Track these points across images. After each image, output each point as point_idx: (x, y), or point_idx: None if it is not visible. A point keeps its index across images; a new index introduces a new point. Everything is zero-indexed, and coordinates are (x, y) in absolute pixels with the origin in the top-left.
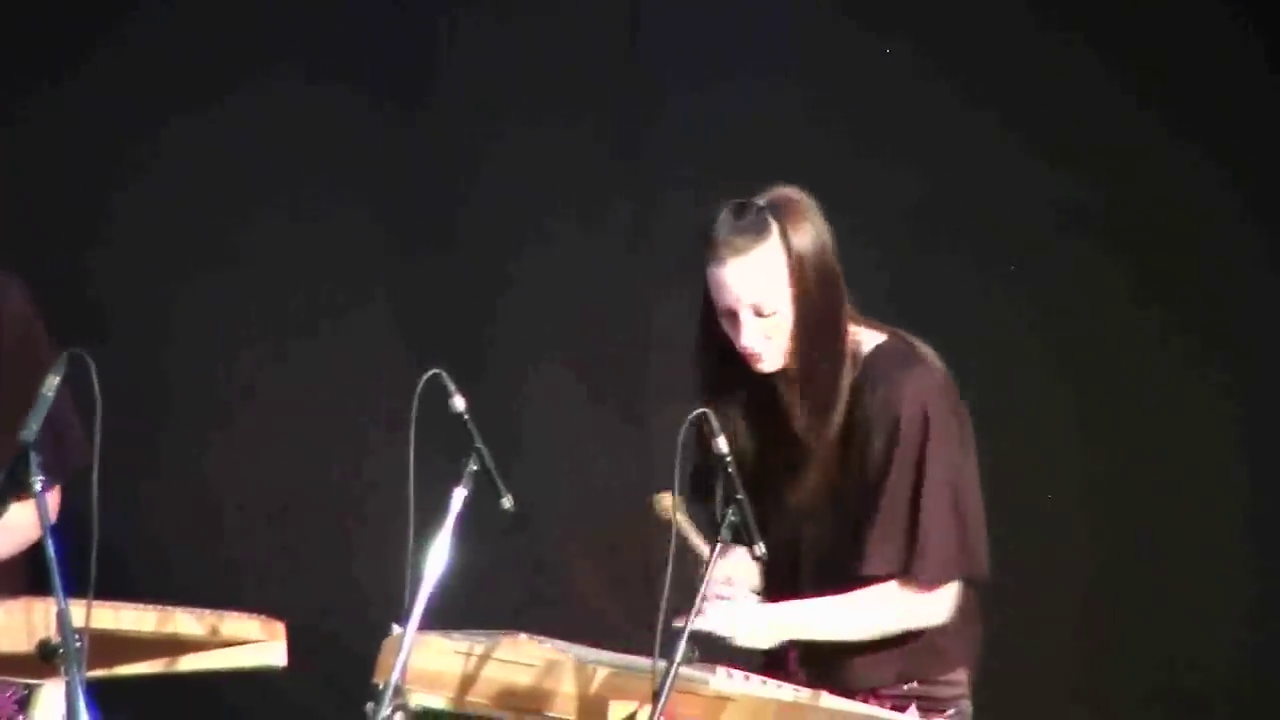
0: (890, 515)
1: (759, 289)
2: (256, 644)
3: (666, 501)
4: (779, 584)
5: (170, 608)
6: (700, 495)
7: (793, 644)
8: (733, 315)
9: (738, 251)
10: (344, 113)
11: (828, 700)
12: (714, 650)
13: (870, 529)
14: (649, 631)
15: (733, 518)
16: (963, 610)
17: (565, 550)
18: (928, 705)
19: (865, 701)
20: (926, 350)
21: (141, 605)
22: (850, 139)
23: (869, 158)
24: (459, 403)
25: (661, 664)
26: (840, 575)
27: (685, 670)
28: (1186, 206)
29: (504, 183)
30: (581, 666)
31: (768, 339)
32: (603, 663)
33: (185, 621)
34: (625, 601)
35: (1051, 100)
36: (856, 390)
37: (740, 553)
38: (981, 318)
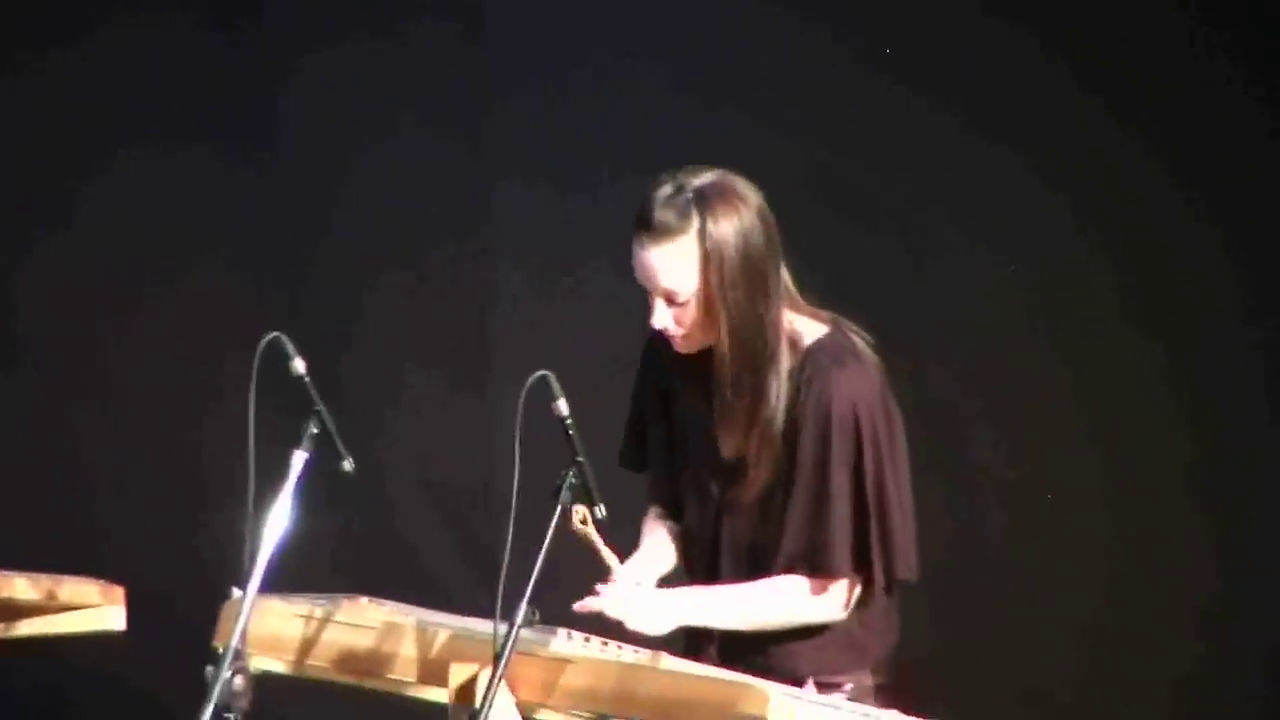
0: (807, 510)
1: (671, 278)
2: (95, 608)
3: (581, 516)
4: (700, 571)
5: (6, 572)
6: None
7: (711, 635)
8: (649, 295)
9: (655, 238)
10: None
11: (667, 662)
12: (621, 637)
13: (788, 522)
14: (489, 595)
15: (573, 480)
16: (882, 606)
17: (406, 513)
18: (827, 684)
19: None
20: (865, 347)
21: None
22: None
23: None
24: (299, 365)
25: (502, 627)
26: (759, 566)
27: (525, 633)
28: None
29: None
30: (422, 630)
31: (680, 325)
32: (444, 626)
33: (21, 586)
34: (467, 564)
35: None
36: (795, 384)
37: (651, 548)
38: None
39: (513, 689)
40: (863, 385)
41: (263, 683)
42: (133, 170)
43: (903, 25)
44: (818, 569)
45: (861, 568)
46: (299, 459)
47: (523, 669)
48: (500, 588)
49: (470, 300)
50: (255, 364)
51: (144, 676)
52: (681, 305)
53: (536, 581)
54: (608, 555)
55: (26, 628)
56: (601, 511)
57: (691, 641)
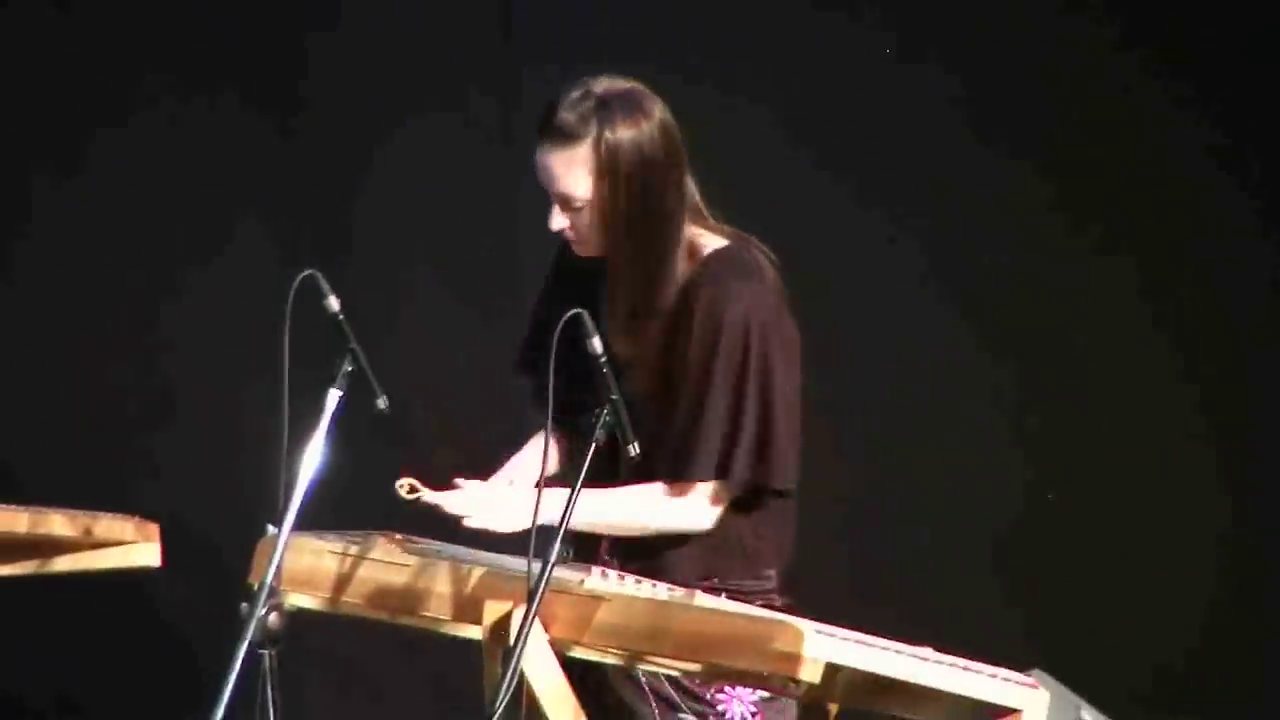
0: (686, 417)
1: (567, 183)
2: (130, 545)
3: (407, 487)
4: (598, 476)
5: (43, 509)
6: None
7: (600, 538)
8: (547, 197)
9: (555, 142)
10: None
11: (702, 599)
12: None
13: (670, 428)
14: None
15: (608, 418)
16: (775, 515)
17: (437, 452)
18: (737, 598)
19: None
20: (767, 265)
21: (14, 507)
22: None
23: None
24: (334, 303)
25: (536, 564)
26: (649, 472)
27: (559, 570)
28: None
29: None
30: (456, 567)
31: (575, 230)
32: (478, 563)
33: (59, 523)
34: None
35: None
36: (689, 292)
37: (532, 451)
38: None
39: (546, 626)
40: (757, 297)
41: (297, 619)
42: (174, 117)
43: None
44: (679, 474)
45: (729, 474)
46: (333, 397)
47: (556, 606)
48: (534, 524)
49: (504, 248)
50: (289, 301)
51: (179, 613)
52: (577, 210)
53: (569, 519)
54: (450, 498)
55: (63, 564)
56: (635, 449)
57: (584, 545)
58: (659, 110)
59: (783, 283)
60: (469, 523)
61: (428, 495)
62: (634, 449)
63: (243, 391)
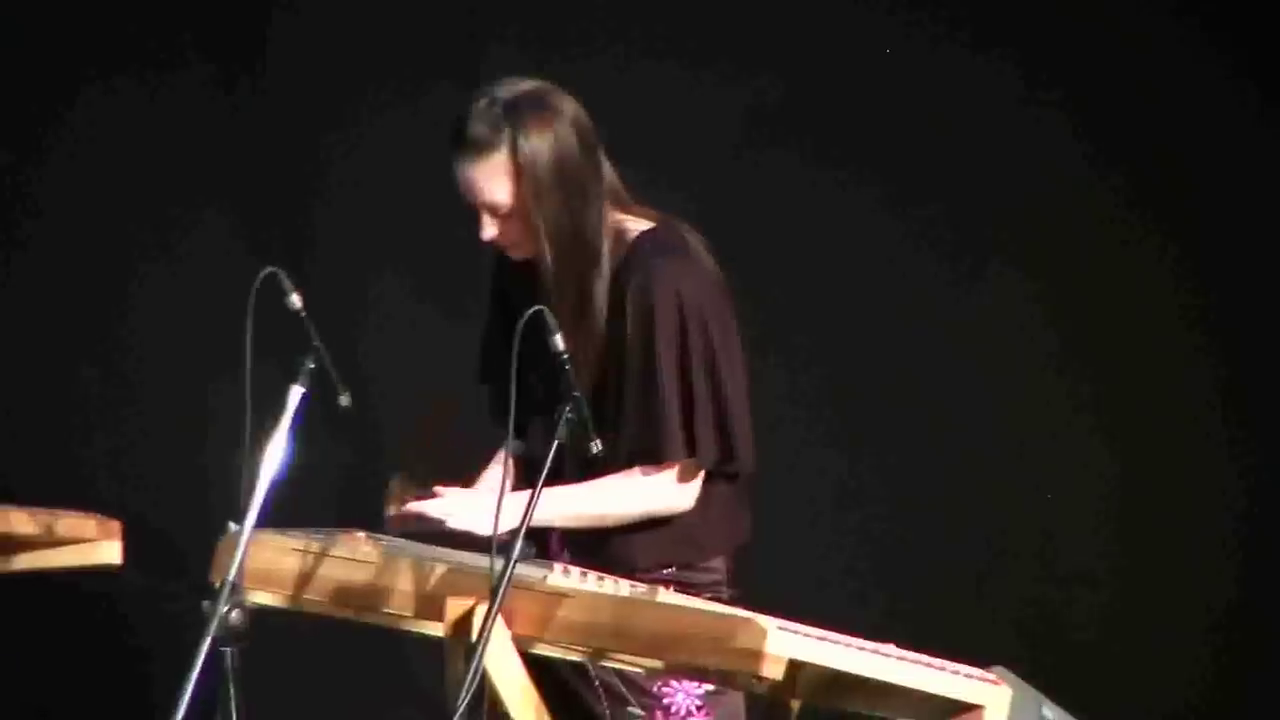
0: (639, 401)
1: (490, 192)
2: (92, 543)
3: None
4: (550, 475)
5: (4, 506)
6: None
7: (554, 532)
8: (476, 209)
9: (471, 155)
10: None
11: (665, 596)
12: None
13: (621, 415)
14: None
15: (570, 415)
16: (724, 500)
17: (401, 447)
18: (686, 590)
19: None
20: (695, 240)
21: None
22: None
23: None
24: (295, 300)
25: (499, 562)
26: (602, 468)
27: (522, 567)
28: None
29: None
30: (419, 564)
31: (505, 237)
32: (440, 560)
33: (19, 520)
34: None
35: None
36: (619, 277)
37: (496, 468)
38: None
39: (509, 623)
40: (687, 274)
41: (260, 617)
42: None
43: None
44: (650, 456)
45: (698, 450)
46: (296, 394)
47: (519, 603)
48: (495, 521)
49: (466, 241)
50: (251, 299)
51: (141, 611)
52: (506, 217)
53: (533, 517)
54: (431, 504)
55: (24, 562)
56: (597, 446)
57: (540, 539)
58: (568, 105)
59: (714, 260)
60: (452, 523)
61: (411, 506)
62: (597, 445)
63: (205, 388)
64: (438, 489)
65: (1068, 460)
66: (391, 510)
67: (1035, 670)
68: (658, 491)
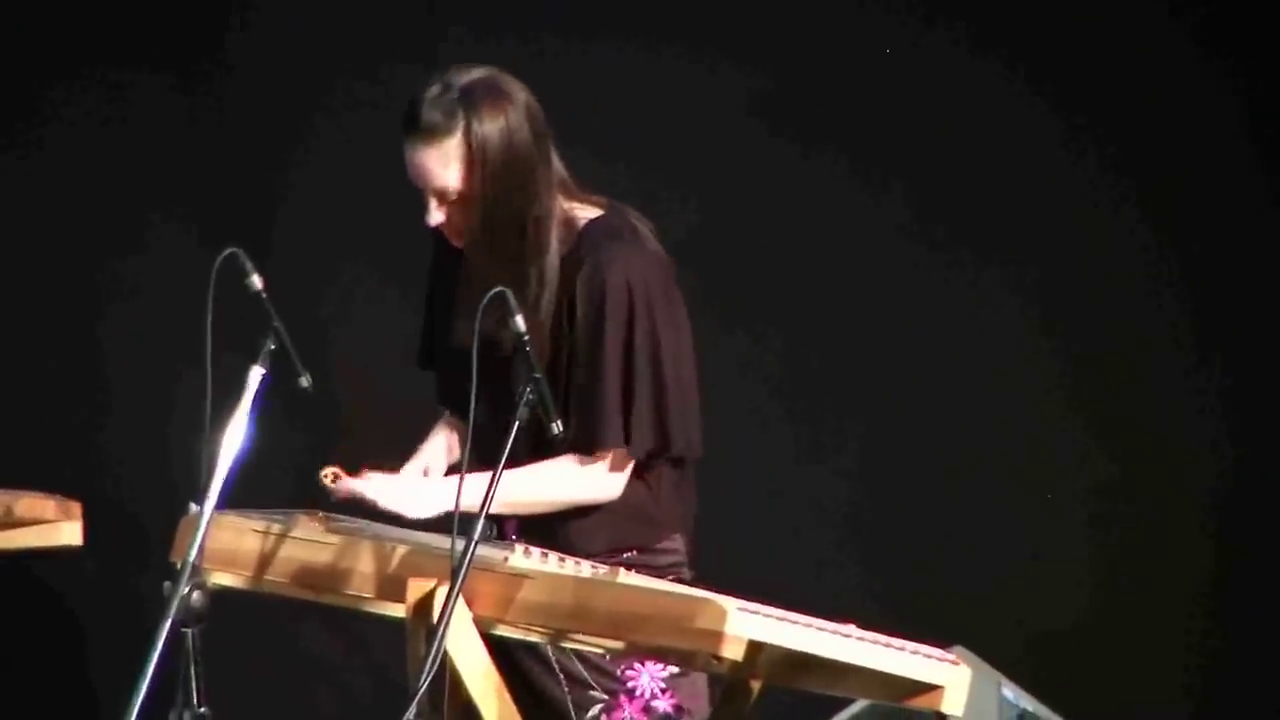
0: (584, 386)
1: (440, 177)
2: (52, 524)
3: (330, 475)
4: (490, 457)
5: None
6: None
7: (507, 518)
8: (423, 194)
9: (423, 140)
10: None
11: (625, 577)
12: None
13: (570, 401)
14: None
15: (531, 396)
16: (671, 480)
17: (362, 428)
18: (646, 572)
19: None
20: (643, 226)
21: None
22: None
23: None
24: (256, 281)
25: (459, 543)
26: (547, 451)
27: (483, 548)
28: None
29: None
30: (380, 545)
31: (453, 222)
32: (401, 541)
33: None
34: None
35: None
36: (569, 265)
37: (433, 446)
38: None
39: (470, 604)
40: (636, 260)
41: (221, 598)
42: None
43: None
44: (586, 445)
45: (631, 440)
46: (256, 375)
47: (480, 584)
48: (457, 502)
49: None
50: (212, 280)
51: (101, 592)
52: (453, 203)
53: (492, 498)
54: (365, 485)
55: None
56: (558, 427)
57: (494, 524)
58: (521, 93)
59: (663, 248)
60: (383, 504)
61: (346, 483)
62: (557, 426)
63: (166, 370)
64: (365, 472)
65: (1019, 434)
66: (331, 485)
67: (991, 650)
68: (588, 480)
